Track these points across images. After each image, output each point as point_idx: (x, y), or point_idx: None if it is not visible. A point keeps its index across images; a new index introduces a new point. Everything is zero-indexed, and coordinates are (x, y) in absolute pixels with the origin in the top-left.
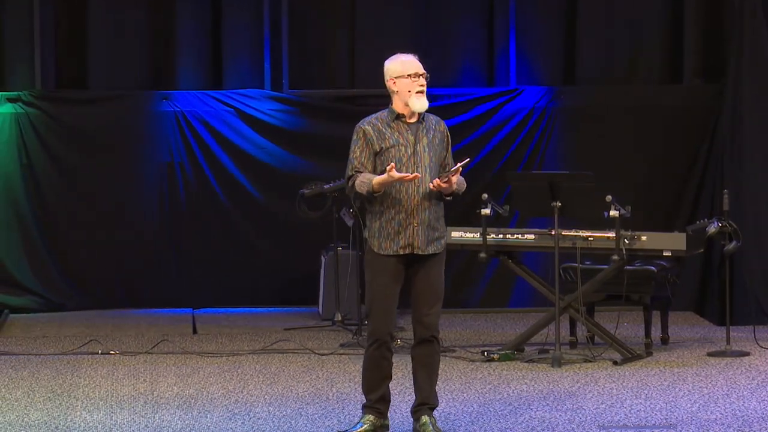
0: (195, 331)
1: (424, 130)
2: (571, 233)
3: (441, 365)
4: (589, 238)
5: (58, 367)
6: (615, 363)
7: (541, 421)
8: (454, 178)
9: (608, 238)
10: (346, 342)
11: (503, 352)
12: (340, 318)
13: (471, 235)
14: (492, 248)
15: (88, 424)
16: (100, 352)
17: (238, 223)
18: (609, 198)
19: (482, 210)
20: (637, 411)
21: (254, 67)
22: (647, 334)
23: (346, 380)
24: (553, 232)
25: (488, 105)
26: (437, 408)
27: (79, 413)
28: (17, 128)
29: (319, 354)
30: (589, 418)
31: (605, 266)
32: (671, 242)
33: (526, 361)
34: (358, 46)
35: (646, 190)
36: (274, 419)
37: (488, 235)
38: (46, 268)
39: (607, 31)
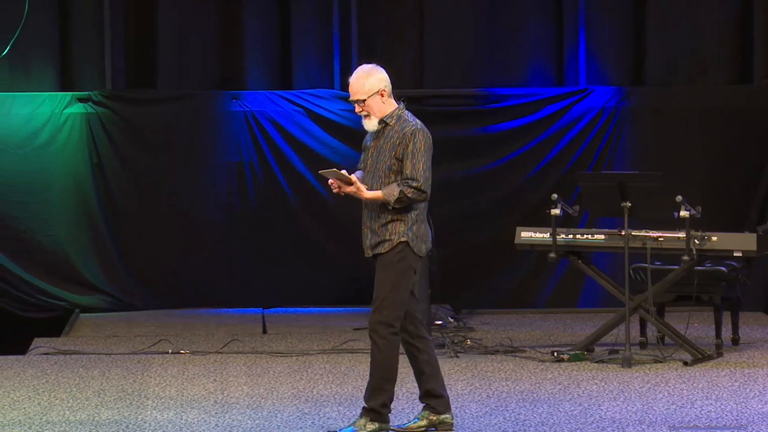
0: (265, 331)
1: (386, 137)
2: (641, 233)
3: (511, 365)
4: (659, 239)
5: (128, 366)
6: (685, 363)
7: (611, 422)
8: (350, 189)
9: (678, 238)
10: None
11: (573, 352)
12: None
13: (541, 235)
14: (562, 248)
15: (158, 423)
16: (170, 351)
17: (307, 223)
18: (679, 198)
19: (552, 210)
20: (708, 412)
21: (323, 66)
22: (717, 334)
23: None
24: (622, 233)
25: (557, 105)
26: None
27: (149, 412)
28: (87, 128)
29: None
30: (659, 418)
31: (675, 267)
32: (742, 243)
33: (596, 362)
34: (426, 46)
35: (714, 190)
36: (343, 419)
37: (558, 235)
38: (115, 267)
39: (675, 31)
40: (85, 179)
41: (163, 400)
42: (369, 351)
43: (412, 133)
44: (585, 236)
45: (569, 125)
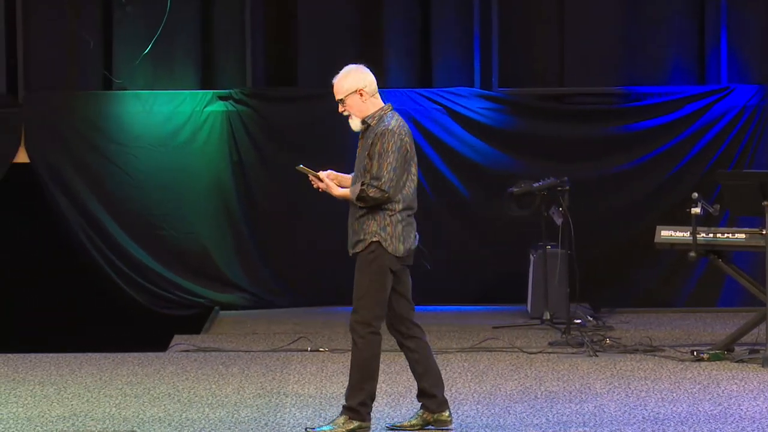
0: None
1: (366, 137)
2: None
3: (650, 364)
4: None
5: (267, 363)
6: None
7: (750, 421)
8: (321, 185)
9: None
10: (554, 341)
11: (713, 351)
12: (548, 316)
13: (681, 234)
14: (702, 247)
15: (297, 421)
16: (309, 349)
17: (447, 220)
18: None
19: (692, 209)
20: None
21: (463, 65)
22: None
23: (554, 379)
24: (764, 232)
25: (698, 104)
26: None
27: (288, 410)
28: (228, 126)
29: (527, 352)
30: None
31: None
32: None
33: (735, 361)
34: (567, 44)
35: None
36: (482, 417)
37: (698, 234)
38: (255, 265)
39: None
40: (225, 177)
41: (302, 398)
42: (508, 349)
43: (381, 134)
44: (725, 235)
45: (710, 124)
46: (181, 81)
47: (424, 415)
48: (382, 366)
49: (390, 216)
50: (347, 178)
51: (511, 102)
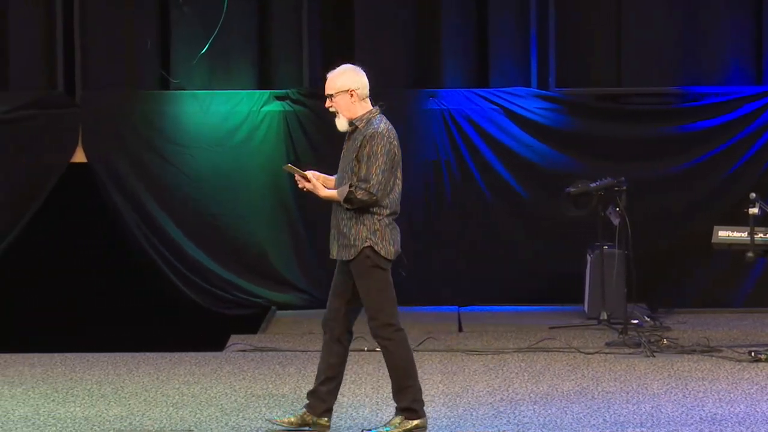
0: (460, 329)
1: (353, 139)
2: None
3: (708, 365)
4: None
5: None
6: None
7: None
8: (308, 185)
9: None
10: (611, 341)
11: None
12: (605, 317)
13: (738, 234)
14: (759, 247)
15: (354, 421)
16: (365, 349)
17: (504, 220)
18: None
19: (750, 209)
20: None
21: (520, 64)
22: None
23: (611, 379)
24: None
25: (756, 104)
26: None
27: (345, 410)
28: (285, 126)
29: (584, 353)
30: None
31: None
32: None
33: None
34: (624, 45)
35: None
36: (539, 417)
37: (756, 234)
38: (311, 265)
39: None
40: (282, 177)
41: (358, 398)
42: (565, 349)
43: (371, 136)
44: None
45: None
46: (238, 81)
47: (305, 416)
48: (437, 366)
49: (379, 220)
50: (330, 179)
51: (568, 102)
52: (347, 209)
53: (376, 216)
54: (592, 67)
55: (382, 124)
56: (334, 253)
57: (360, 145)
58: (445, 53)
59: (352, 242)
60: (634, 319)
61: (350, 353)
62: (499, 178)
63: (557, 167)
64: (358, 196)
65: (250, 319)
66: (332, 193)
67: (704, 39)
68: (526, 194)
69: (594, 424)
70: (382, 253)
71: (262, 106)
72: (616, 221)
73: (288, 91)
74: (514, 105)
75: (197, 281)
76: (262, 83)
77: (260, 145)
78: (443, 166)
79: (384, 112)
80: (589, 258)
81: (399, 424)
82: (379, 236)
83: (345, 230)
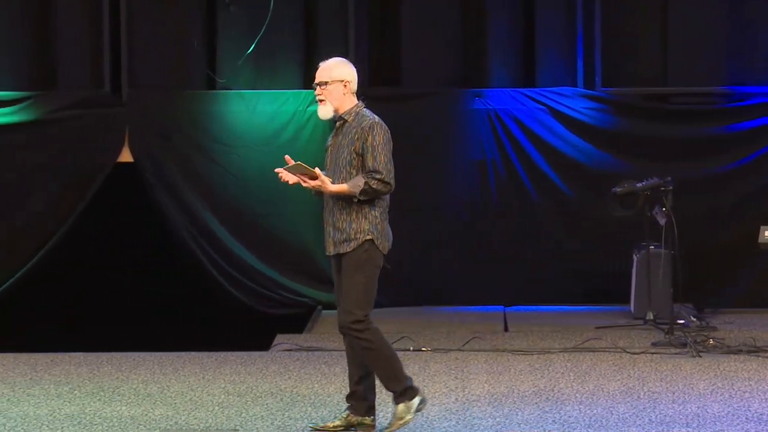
0: (506, 329)
1: (344, 133)
2: None
3: (754, 365)
4: None
5: None
6: None
7: None
8: (315, 183)
9: None
10: (658, 341)
11: None
12: (651, 317)
13: None
14: None
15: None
16: (411, 348)
17: (550, 220)
18: None
19: None
20: None
21: (566, 64)
22: None
23: (657, 379)
24: None
25: None
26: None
27: (390, 409)
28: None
29: (630, 353)
30: None
31: None
32: None
33: None
34: (670, 44)
35: None
36: (585, 418)
37: None
38: None
39: None
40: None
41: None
42: (611, 349)
43: (370, 127)
44: None
45: None
46: (283, 80)
47: (349, 417)
48: (483, 366)
49: (380, 214)
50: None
51: (614, 102)
52: (348, 204)
53: (377, 209)
54: (638, 67)
55: (375, 116)
56: (331, 249)
57: (357, 137)
58: (492, 53)
59: (352, 236)
60: (680, 319)
61: (397, 353)
62: (545, 177)
63: (603, 167)
64: (374, 186)
65: (296, 319)
66: (342, 187)
67: (750, 38)
68: (571, 194)
69: (639, 424)
70: (380, 247)
71: (308, 106)
72: (662, 221)
73: None
74: (560, 105)
75: (243, 281)
76: (308, 83)
77: (306, 145)
78: (489, 165)
79: (431, 112)
80: (635, 258)
81: (406, 409)
82: (380, 230)
83: (343, 225)
